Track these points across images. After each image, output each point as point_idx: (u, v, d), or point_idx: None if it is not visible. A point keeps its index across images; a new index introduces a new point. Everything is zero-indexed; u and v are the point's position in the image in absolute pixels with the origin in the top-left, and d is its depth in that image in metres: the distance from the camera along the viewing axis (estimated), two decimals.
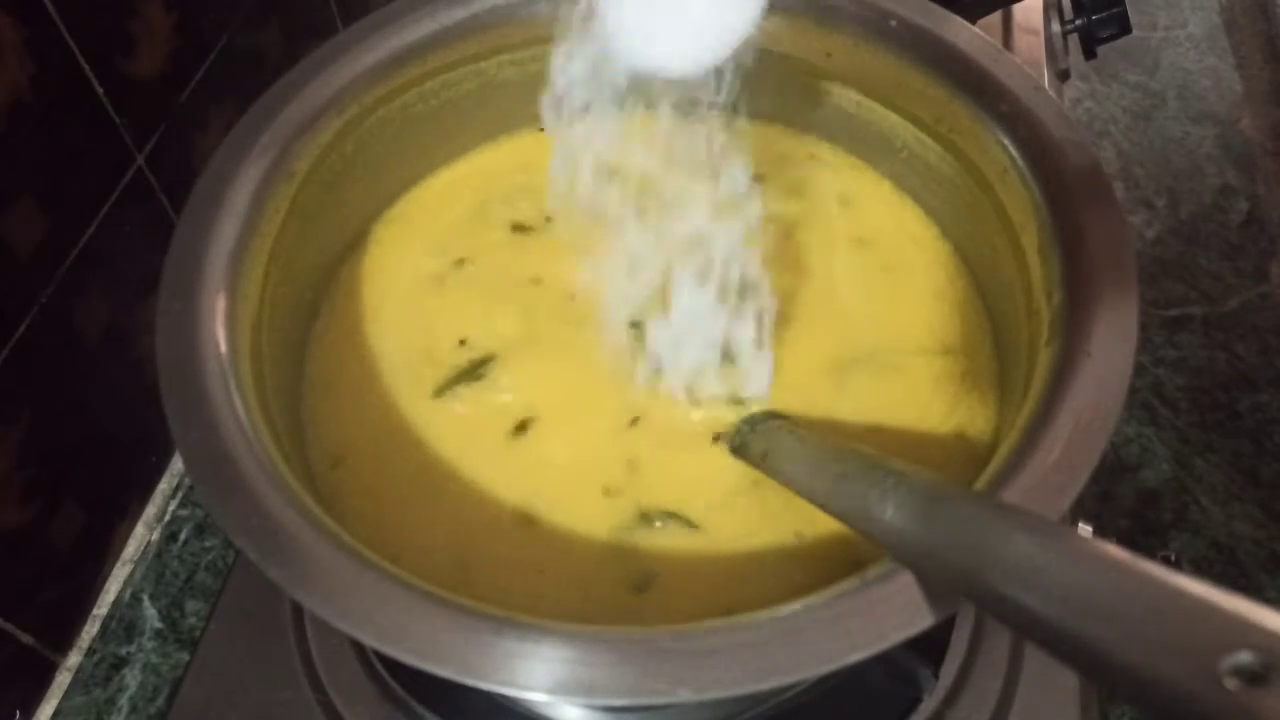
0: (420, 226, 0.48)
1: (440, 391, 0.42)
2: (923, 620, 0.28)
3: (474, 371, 0.43)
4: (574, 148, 0.40)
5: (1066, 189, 0.37)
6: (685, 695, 0.27)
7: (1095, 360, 0.32)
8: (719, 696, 0.27)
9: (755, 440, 0.39)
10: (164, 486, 0.58)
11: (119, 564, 0.55)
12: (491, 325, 0.44)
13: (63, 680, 0.51)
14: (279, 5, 0.63)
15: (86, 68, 0.48)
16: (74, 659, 0.51)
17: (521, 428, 0.41)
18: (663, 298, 0.41)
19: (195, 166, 0.57)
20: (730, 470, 0.39)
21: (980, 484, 0.31)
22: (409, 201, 0.49)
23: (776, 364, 0.41)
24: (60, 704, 0.50)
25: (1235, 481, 0.59)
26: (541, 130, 0.50)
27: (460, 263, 0.46)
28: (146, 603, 0.53)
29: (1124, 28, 0.73)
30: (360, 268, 0.46)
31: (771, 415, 0.40)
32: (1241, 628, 0.19)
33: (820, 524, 0.37)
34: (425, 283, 0.46)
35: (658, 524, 0.38)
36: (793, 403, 0.41)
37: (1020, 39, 0.69)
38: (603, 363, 0.43)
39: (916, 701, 0.42)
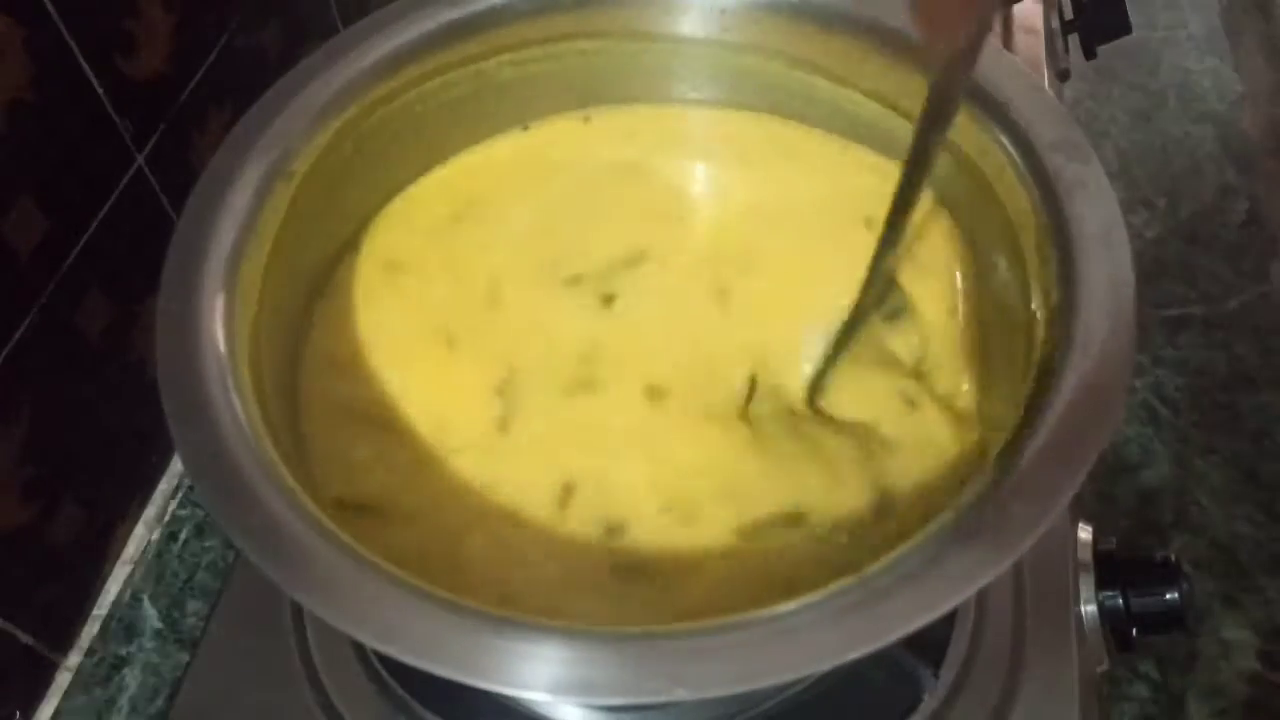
0: (416, 225, 0.48)
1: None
2: (922, 619, 0.28)
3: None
4: None
5: (1066, 189, 0.37)
6: (684, 694, 0.27)
7: (1095, 360, 0.32)
8: (717, 695, 0.27)
9: None
10: (164, 486, 0.58)
11: (119, 564, 0.55)
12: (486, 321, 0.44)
13: (63, 680, 0.51)
14: (279, 5, 0.63)
15: (86, 68, 0.48)
16: (74, 659, 0.51)
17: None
18: None
19: (195, 166, 0.57)
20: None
21: (981, 482, 0.31)
22: (405, 200, 0.48)
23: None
24: (60, 704, 0.50)
25: (1235, 481, 0.59)
26: (527, 128, 0.51)
27: (456, 259, 0.46)
28: (146, 603, 0.53)
29: (1124, 28, 0.74)
30: (354, 267, 0.46)
31: None
32: None
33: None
34: (421, 280, 0.46)
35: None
36: (791, 393, 0.41)
37: (1020, 39, 0.69)
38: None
39: (917, 701, 0.42)
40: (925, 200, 0.45)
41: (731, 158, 0.50)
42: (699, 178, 0.50)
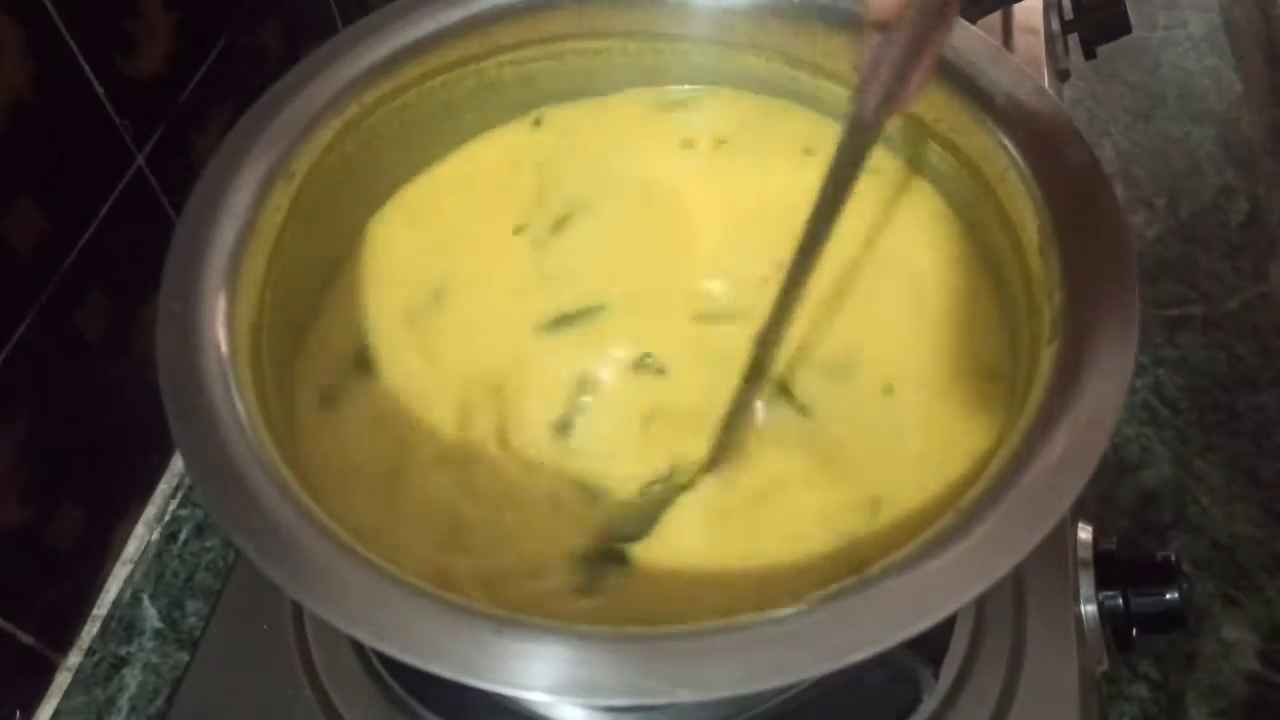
0: (415, 224, 0.48)
1: None
2: (923, 620, 0.28)
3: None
4: None
5: (1067, 189, 0.37)
6: (685, 695, 0.27)
7: (1095, 360, 0.32)
8: (719, 696, 0.27)
9: None
10: (164, 486, 0.58)
11: (119, 564, 0.55)
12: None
13: (63, 680, 0.51)
14: (279, 5, 0.63)
15: (86, 68, 0.48)
16: (74, 659, 0.51)
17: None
18: None
19: (195, 166, 0.57)
20: None
21: (981, 483, 0.31)
22: (400, 200, 0.48)
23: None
24: (60, 704, 0.50)
25: (1235, 481, 0.59)
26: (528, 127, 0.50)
27: (453, 255, 0.46)
28: (146, 603, 0.53)
29: (1124, 28, 0.73)
30: (356, 267, 0.46)
31: None
32: None
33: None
34: (418, 276, 0.46)
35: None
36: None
37: (1020, 39, 0.69)
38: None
39: (916, 701, 0.42)
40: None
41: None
42: (698, 177, 0.50)
